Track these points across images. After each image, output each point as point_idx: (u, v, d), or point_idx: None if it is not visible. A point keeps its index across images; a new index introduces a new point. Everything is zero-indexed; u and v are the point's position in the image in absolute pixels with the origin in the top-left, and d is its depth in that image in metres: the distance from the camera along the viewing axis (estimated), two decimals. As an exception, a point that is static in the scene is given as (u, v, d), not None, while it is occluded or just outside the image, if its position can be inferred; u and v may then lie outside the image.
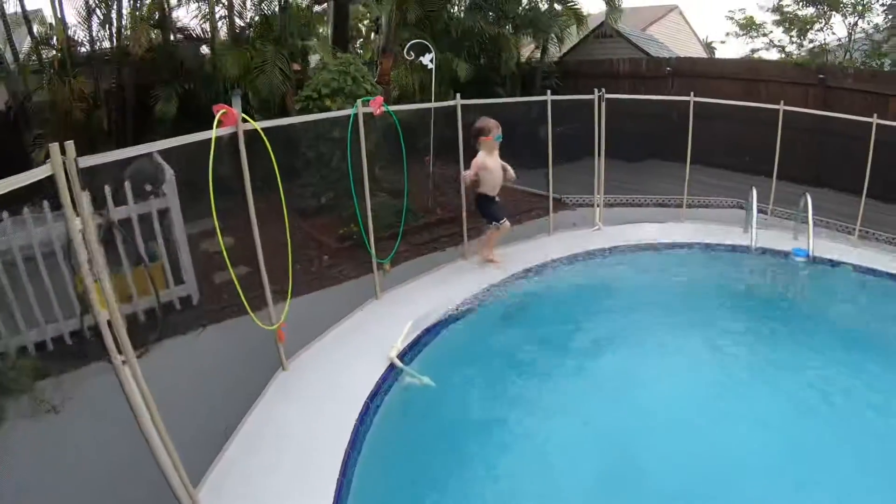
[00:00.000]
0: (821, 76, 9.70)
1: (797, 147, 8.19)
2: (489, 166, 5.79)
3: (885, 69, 9.68)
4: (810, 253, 6.53)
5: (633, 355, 4.86)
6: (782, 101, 7.36)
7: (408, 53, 8.33)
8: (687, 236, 7.19)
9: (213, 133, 3.27)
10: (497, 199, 5.93)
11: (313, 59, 10.68)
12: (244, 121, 3.56)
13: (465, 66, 10.63)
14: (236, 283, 3.46)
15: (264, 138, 3.66)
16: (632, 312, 5.59)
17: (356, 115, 4.71)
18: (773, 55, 11.90)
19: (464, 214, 6.24)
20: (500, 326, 5.29)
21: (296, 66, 9.60)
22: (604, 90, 6.96)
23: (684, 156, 7.77)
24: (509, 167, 6.05)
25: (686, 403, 4.20)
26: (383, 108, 4.90)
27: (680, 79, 11.48)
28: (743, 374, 4.65)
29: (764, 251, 6.78)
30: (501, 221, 5.99)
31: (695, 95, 7.51)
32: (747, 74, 10.56)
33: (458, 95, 5.93)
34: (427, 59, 7.75)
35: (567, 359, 4.74)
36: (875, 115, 6.87)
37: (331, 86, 7.45)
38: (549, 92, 7.21)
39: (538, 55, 13.47)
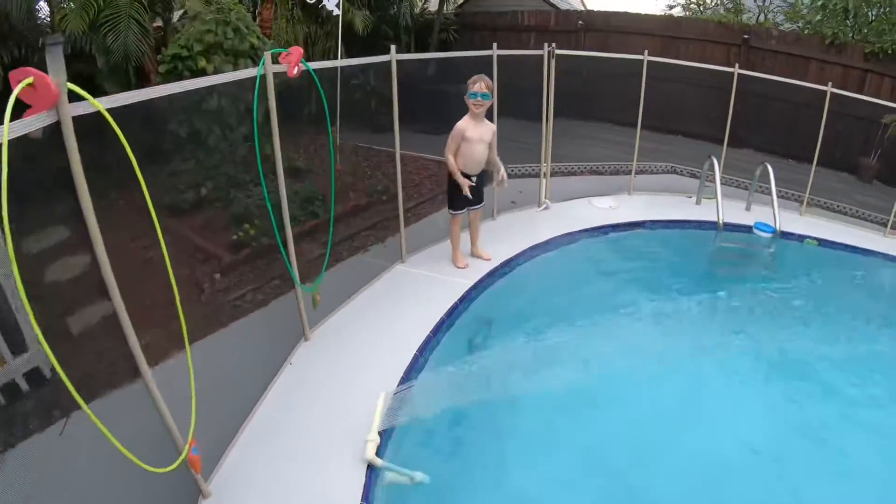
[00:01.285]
0: (745, 36, 9.33)
1: (719, 109, 7.77)
2: (467, 136, 4.41)
3: (805, 32, 9.53)
4: (777, 228, 5.98)
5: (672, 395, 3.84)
6: (737, 66, 6.73)
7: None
8: (645, 213, 6.37)
9: (4, 124, 1.55)
10: (473, 180, 4.55)
11: (177, 14, 8.25)
12: (77, 97, 1.83)
13: (361, 15, 8.85)
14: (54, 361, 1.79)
15: (113, 123, 1.96)
16: (634, 330, 4.51)
17: (263, 75, 3.06)
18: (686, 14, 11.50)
19: (399, 198, 4.76)
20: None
21: (156, 24, 7.23)
22: (554, 45, 5.74)
23: (598, 115, 7.06)
24: (500, 163, 4.72)
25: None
26: (302, 66, 3.26)
27: (592, 34, 10.67)
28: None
29: (727, 227, 6.12)
30: (455, 212, 4.66)
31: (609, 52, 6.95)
32: (667, 31, 9.99)
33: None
34: (332, 4, 6.00)
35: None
36: (829, 84, 6.49)
37: (205, 40, 5.48)
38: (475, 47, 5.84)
39: (435, 5, 11.95)
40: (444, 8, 11.58)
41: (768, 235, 6.06)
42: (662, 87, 8.02)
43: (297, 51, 3.22)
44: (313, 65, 3.47)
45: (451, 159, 4.46)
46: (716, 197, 6.09)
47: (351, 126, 7.33)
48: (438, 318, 4.03)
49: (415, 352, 3.64)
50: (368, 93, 7.90)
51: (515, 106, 5.74)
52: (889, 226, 6.45)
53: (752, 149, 9.36)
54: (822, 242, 6.10)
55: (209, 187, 5.31)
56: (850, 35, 8.94)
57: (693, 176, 8.05)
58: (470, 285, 4.53)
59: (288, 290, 4.01)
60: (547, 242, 5.48)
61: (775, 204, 6.08)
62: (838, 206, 7.31)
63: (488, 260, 4.94)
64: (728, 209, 6.13)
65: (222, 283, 4.64)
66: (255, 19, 7.63)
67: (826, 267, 5.79)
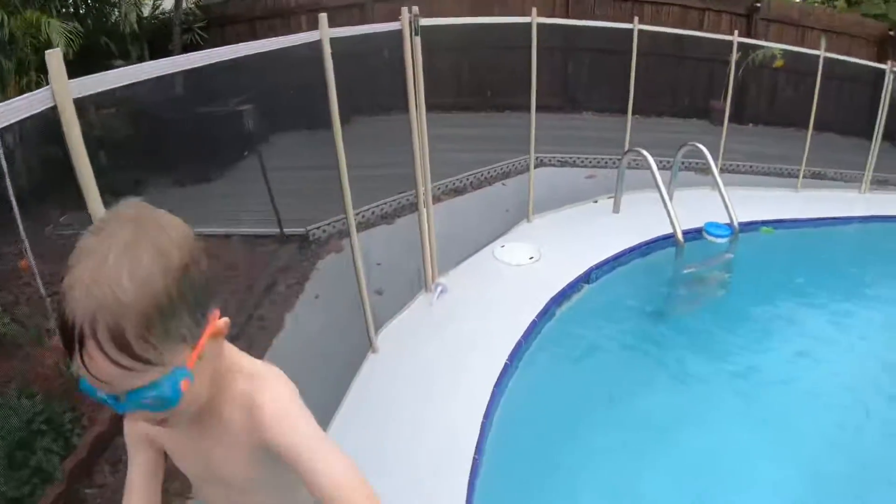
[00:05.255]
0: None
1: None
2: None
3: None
4: (735, 224, 4.35)
5: None
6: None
7: None
8: (575, 256, 4.25)
9: None
10: None
11: None
12: None
13: (59, 26, 5.34)
14: None
15: None
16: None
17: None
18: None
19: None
20: None
21: None
22: (416, 9, 3.25)
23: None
24: None
25: None
26: None
27: (383, 3, 8.33)
28: None
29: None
30: None
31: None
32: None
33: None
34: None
35: None
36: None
37: None
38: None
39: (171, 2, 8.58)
40: (181, 7, 8.28)
41: (724, 240, 4.42)
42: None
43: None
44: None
45: None
46: (663, 199, 4.20)
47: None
48: None
49: None
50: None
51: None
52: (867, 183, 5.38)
53: (590, 111, 8.07)
54: (776, 225, 4.70)
55: None
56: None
57: (565, 164, 6.31)
58: None
59: None
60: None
61: (725, 194, 4.43)
62: (748, 167, 6.12)
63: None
64: (638, 204, 4.39)
65: None
66: None
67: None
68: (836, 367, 3.62)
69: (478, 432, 2.49)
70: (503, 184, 5.74)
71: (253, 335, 3.54)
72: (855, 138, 6.93)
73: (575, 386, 3.19)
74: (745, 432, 2.98)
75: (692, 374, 3.47)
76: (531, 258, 4.11)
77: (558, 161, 6.16)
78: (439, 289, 3.47)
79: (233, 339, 2.81)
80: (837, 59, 6.15)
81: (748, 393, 3.36)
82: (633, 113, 5.27)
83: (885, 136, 6.35)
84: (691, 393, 3.31)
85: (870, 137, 6.24)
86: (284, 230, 4.28)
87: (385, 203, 4.46)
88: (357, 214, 4.29)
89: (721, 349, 3.74)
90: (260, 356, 3.27)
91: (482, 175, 5.71)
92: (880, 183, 6.77)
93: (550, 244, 4.20)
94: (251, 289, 4.02)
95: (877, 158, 6.32)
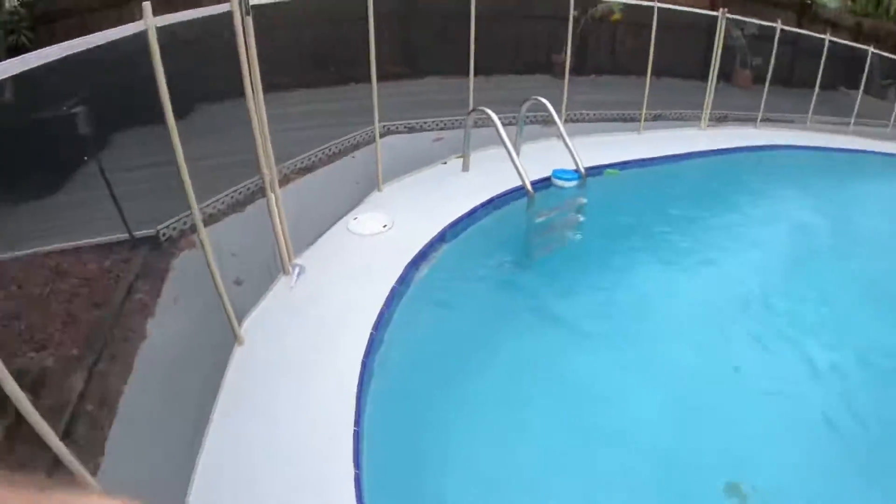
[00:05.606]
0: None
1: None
2: None
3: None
4: (581, 169, 4.73)
5: None
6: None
7: None
8: (429, 215, 4.43)
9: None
10: None
11: None
12: None
13: None
14: None
15: None
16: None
17: None
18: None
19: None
20: None
21: None
22: None
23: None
24: None
25: None
26: None
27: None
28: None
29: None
30: None
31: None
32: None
33: None
34: None
35: None
36: None
37: None
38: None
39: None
40: (6, 3, 7.30)
41: (572, 184, 4.79)
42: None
43: None
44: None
45: None
46: (509, 153, 4.43)
47: None
48: None
49: None
50: None
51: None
52: (705, 120, 5.90)
53: (435, 75, 8.20)
54: (621, 166, 5.15)
55: None
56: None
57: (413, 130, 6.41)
58: None
59: None
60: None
61: (569, 142, 4.78)
62: (591, 116, 6.58)
63: None
64: (488, 161, 4.66)
65: None
66: None
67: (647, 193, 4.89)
68: (688, 293, 4.03)
69: (354, 407, 2.57)
70: (353, 156, 5.71)
71: (117, 351, 3.36)
72: (693, 81, 7.60)
73: (444, 342, 3.33)
74: (611, 359, 3.28)
75: (556, 314, 3.72)
76: (385, 226, 4.16)
77: (406, 127, 6.26)
78: (297, 270, 3.47)
79: (95, 361, 2.69)
80: (672, 9, 6.71)
81: (609, 324, 3.68)
82: (478, 73, 5.43)
83: (721, 77, 7.09)
84: (558, 331, 3.57)
85: (706, 79, 6.94)
86: (134, 233, 4.05)
87: (235, 191, 4.33)
88: (207, 206, 4.17)
89: (581, 286, 4.07)
90: (126, 371, 3.16)
91: (330, 150, 5.64)
92: (719, 119, 7.58)
93: (403, 210, 4.30)
94: (108, 302, 3.79)
95: (714, 97, 7.05)
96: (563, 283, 4.09)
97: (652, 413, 2.91)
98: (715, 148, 6.40)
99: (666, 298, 4.03)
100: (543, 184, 4.79)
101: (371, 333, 2.99)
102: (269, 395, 2.67)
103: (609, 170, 5.22)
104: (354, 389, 2.68)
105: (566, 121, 5.85)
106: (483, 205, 4.59)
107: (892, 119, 8.82)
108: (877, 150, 7.74)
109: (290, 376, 2.76)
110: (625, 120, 6.56)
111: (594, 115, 6.49)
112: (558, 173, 4.81)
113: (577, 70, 7.73)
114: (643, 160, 5.54)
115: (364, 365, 2.83)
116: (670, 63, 7.76)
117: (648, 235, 4.70)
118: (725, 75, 8.44)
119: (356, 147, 5.62)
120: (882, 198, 6.41)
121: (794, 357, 3.35)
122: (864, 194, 6.52)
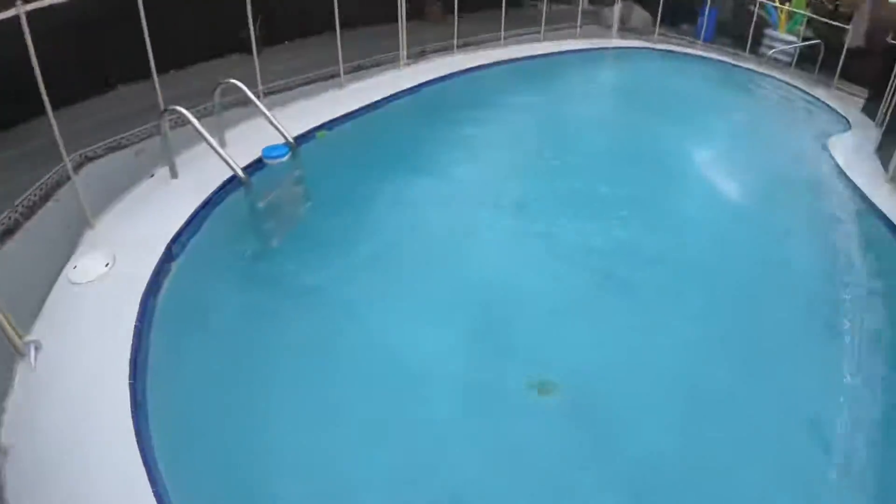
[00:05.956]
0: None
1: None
2: None
3: None
4: (290, 140, 4.54)
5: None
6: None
7: None
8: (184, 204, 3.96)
9: None
10: None
11: None
12: None
13: None
14: None
15: None
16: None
17: None
18: None
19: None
20: None
21: None
22: None
23: None
24: None
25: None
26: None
27: None
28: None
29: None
30: None
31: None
32: None
33: None
34: None
35: None
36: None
37: None
38: None
39: None
40: None
41: (284, 158, 4.58)
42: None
43: None
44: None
45: None
46: (211, 145, 4.01)
47: None
48: None
49: None
50: None
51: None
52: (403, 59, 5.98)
53: (123, 84, 7.24)
54: (330, 126, 5.09)
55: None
56: None
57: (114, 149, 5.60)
58: None
59: None
60: None
61: (270, 116, 4.50)
62: (290, 84, 6.35)
63: None
64: (197, 161, 4.37)
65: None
66: None
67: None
68: (433, 214, 4.35)
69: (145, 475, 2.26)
70: (56, 200, 4.82)
71: None
72: (387, 24, 7.67)
73: (213, 361, 3.13)
74: (388, 307, 3.58)
75: (318, 286, 3.72)
76: (107, 265, 3.60)
77: (105, 149, 5.42)
78: (33, 347, 2.86)
79: None
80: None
81: (373, 275, 3.84)
82: (166, 70, 4.85)
83: (414, 16, 7.26)
84: (326, 302, 3.60)
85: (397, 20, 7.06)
86: None
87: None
88: None
89: (331, 254, 4.02)
90: None
91: (26, 204, 4.65)
92: (419, 55, 7.82)
93: (122, 241, 3.78)
94: None
95: (409, 36, 7.23)
96: (312, 257, 3.99)
97: (448, 341, 3.26)
98: (417, 83, 6.69)
99: (415, 228, 4.20)
100: (257, 167, 4.51)
101: (130, 383, 2.61)
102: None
103: (319, 132, 5.11)
104: (138, 458, 2.33)
105: (266, 94, 5.56)
106: (201, 208, 4.20)
107: (578, 20, 10.11)
108: (571, 48, 9.02)
109: (60, 479, 2.26)
110: (325, 79, 6.45)
111: (294, 81, 6.26)
112: (268, 151, 4.57)
113: (268, 40, 7.37)
114: (349, 114, 5.56)
115: (135, 420, 2.48)
116: (357, 12, 7.78)
117: (375, 182, 4.80)
118: (417, 13, 8.81)
119: (58, 186, 4.68)
120: (576, 91, 7.52)
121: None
122: (562, 90, 7.59)
